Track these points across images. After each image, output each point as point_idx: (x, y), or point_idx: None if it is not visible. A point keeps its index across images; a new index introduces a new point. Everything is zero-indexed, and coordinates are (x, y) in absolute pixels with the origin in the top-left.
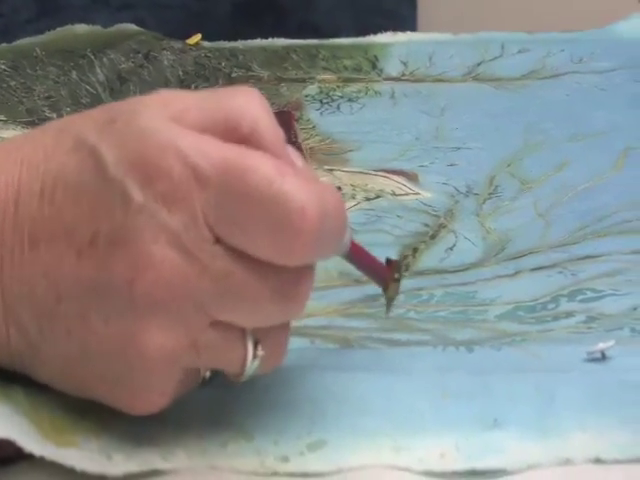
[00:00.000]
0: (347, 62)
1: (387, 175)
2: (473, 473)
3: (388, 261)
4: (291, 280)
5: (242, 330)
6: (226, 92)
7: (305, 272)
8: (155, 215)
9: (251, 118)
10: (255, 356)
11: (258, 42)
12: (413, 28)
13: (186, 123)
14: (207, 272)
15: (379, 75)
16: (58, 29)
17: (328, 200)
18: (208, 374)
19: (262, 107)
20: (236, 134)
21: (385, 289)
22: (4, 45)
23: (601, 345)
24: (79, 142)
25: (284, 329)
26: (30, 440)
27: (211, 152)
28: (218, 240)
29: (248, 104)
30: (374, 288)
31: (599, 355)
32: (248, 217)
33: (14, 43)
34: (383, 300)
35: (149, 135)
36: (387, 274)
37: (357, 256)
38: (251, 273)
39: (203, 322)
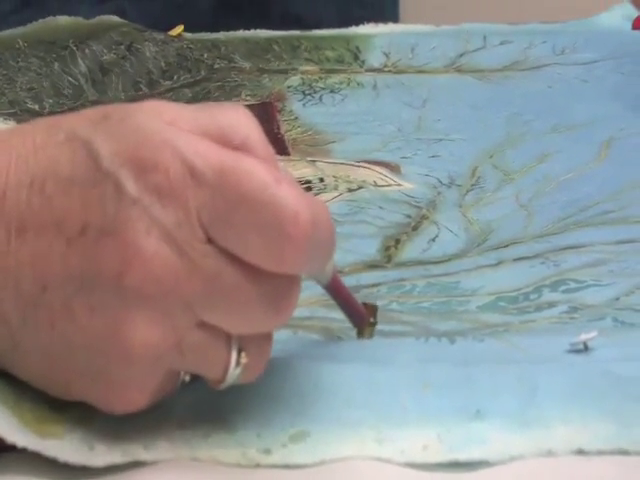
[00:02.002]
0: (329, 53)
1: (369, 166)
2: (455, 464)
3: (365, 304)
4: (280, 289)
5: (228, 335)
6: (216, 107)
7: (294, 282)
8: (148, 209)
9: (243, 132)
10: (238, 363)
11: (240, 33)
12: (395, 19)
13: (180, 129)
14: (197, 271)
15: (361, 66)
16: (40, 20)
17: (319, 211)
18: (188, 378)
19: (253, 123)
20: (228, 146)
21: (360, 332)
22: None
23: (583, 336)
24: (71, 135)
25: (268, 340)
26: (12, 431)
27: (208, 153)
28: (210, 241)
29: (239, 120)
30: (356, 279)
31: (581, 346)
32: (241, 220)
33: None
34: (365, 291)
35: (145, 132)
36: (364, 316)
37: (338, 290)
38: (241, 276)
39: (190, 321)
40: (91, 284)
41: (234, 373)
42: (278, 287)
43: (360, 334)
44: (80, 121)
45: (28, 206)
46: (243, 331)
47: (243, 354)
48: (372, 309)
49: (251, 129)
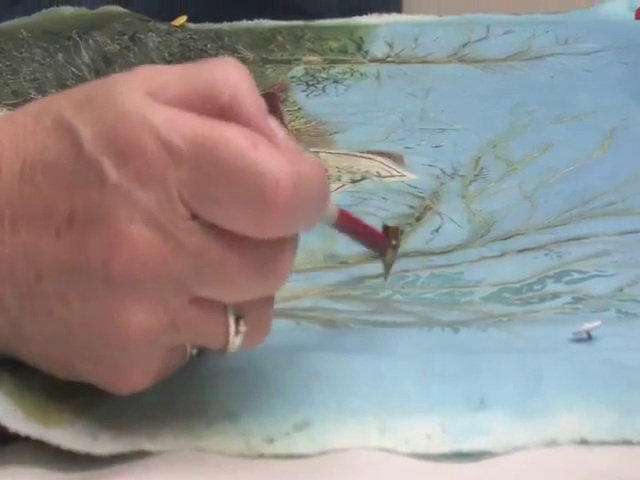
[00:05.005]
0: (333, 43)
1: (372, 157)
2: (459, 455)
3: (385, 227)
4: (270, 254)
5: (223, 306)
6: (207, 64)
7: (285, 245)
8: (130, 194)
9: (231, 88)
10: (238, 332)
11: (244, 23)
12: (398, 10)
13: (165, 97)
14: (184, 249)
15: (364, 57)
16: (44, 11)
17: (305, 170)
18: (195, 351)
19: (243, 77)
20: (216, 104)
21: (382, 255)
22: None
23: (587, 325)
24: (57, 121)
25: (267, 304)
26: (15, 420)
27: (184, 127)
28: (194, 216)
29: (228, 74)
30: (360, 270)
31: (585, 335)
32: (222, 191)
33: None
34: (369, 282)
35: (124, 113)
36: (384, 240)
37: (348, 225)
38: (228, 248)
39: (182, 299)
40: (81, 272)
41: (235, 341)
42: (267, 253)
43: (383, 258)
44: (67, 103)
45: (19, 196)
46: (237, 300)
47: (242, 322)
48: (394, 231)
49: (239, 82)
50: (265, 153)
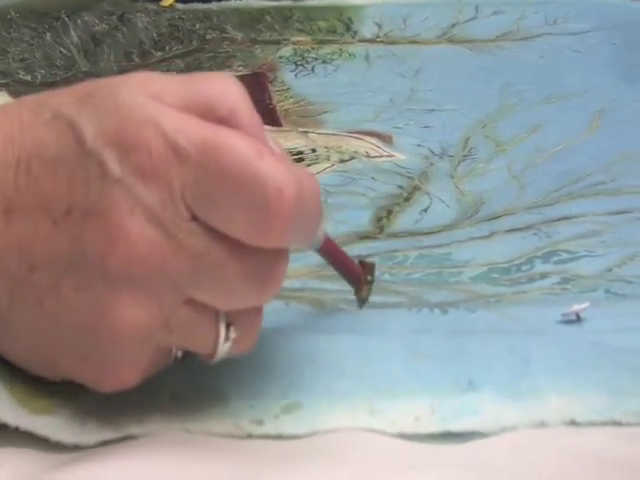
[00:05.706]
0: (321, 24)
1: (361, 137)
2: (448, 435)
3: (362, 263)
4: (267, 263)
5: (215, 311)
6: (204, 77)
7: (280, 256)
8: (132, 189)
9: (229, 102)
10: (227, 338)
11: (232, 3)
12: None
13: (164, 103)
14: (183, 249)
15: (353, 37)
16: None
17: (305, 183)
18: (180, 353)
19: (240, 93)
20: (214, 117)
21: (358, 290)
22: None
23: (576, 307)
24: (57, 114)
25: (257, 313)
26: (4, 407)
27: (190, 130)
28: (195, 218)
29: (226, 89)
30: (348, 250)
31: (574, 317)
32: (225, 196)
33: None
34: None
35: (129, 109)
36: (361, 275)
37: (331, 253)
38: (227, 253)
39: (177, 300)
40: (77, 265)
41: (224, 348)
42: (264, 262)
43: (358, 293)
44: (66, 99)
45: (14, 187)
46: (230, 307)
47: (232, 329)
48: (369, 267)
49: (238, 99)
50: (270, 162)
